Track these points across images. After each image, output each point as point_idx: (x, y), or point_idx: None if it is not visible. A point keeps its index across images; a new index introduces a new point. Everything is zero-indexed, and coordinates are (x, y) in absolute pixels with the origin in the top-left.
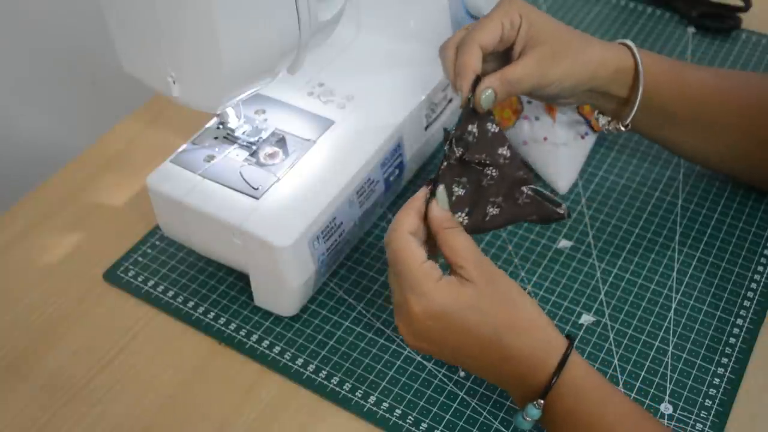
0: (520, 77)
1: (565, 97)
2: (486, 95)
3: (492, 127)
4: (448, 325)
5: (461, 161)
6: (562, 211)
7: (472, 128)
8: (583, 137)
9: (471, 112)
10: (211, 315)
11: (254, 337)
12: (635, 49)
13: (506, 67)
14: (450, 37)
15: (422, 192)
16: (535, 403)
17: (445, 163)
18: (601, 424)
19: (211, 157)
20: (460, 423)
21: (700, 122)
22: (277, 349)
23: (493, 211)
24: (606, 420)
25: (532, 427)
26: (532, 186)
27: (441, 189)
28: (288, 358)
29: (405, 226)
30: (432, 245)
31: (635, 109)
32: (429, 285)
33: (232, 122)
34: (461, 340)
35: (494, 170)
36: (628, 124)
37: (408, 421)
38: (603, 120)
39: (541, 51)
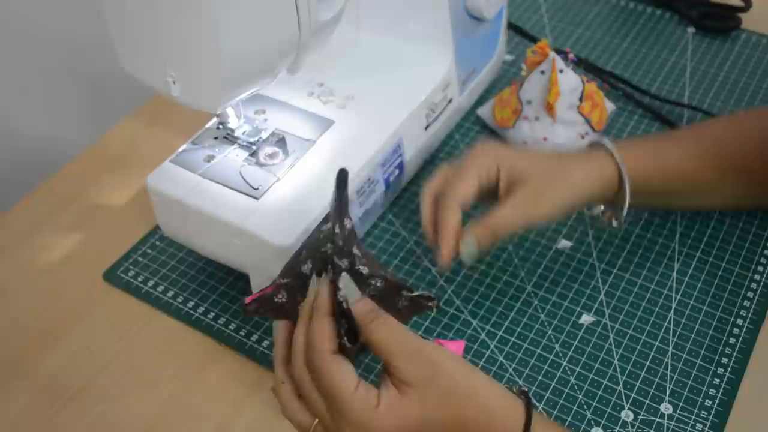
0: (503, 224)
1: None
2: (468, 248)
3: (348, 223)
4: None
5: (351, 272)
6: (432, 305)
7: (342, 232)
8: (583, 137)
9: (340, 209)
10: (211, 315)
11: (254, 337)
12: (616, 156)
13: (489, 215)
14: (428, 183)
15: (325, 291)
16: None
17: (334, 257)
18: None
19: (211, 157)
20: None
21: (692, 194)
22: None
23: None
24: None
25: None
26: (410, 288)
27: (345, 277)
28: None
29: (326, 344)
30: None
31: (625, 210)
32: (368, 416)
33: (232, 122)
34: None
35: (380, 281)
36: (622, 222)
37: None
38: (602, 216)
39: (523, 194)
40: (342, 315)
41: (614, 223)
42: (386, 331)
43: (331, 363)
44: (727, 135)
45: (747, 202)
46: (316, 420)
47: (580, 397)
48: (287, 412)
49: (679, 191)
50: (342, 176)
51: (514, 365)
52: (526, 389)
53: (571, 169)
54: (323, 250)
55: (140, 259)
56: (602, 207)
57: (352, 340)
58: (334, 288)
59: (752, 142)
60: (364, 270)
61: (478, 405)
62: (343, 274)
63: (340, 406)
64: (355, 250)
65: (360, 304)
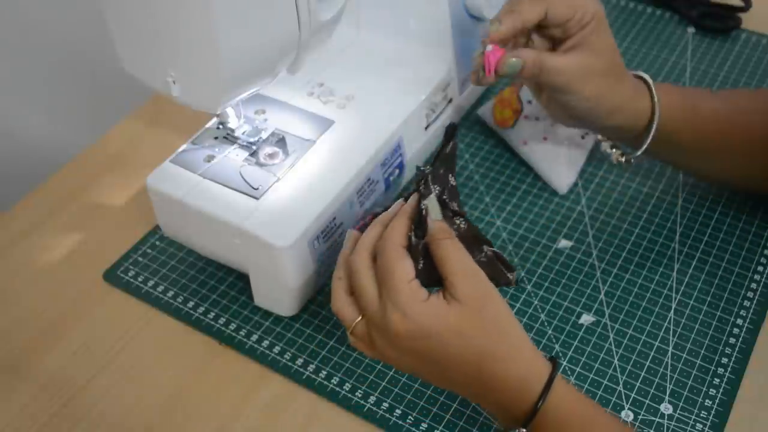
0: (557, 68)
1: (573, 117)
2: (513, 62)
3: (452, 180)
4: (430, 348)
5: (440, 200)
6: (511, 277)
7: (445, 173)
8: (583, 137)
9: (447, 158)
10: (211, 315)
11: (254, 337)
12: (654, 90)
13: (548, 52)
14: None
15: (412, 200)
16: (517, 430)
17: (430, 177)
18: None
19: (211, 157)
20: (460, 423)
21: (710, 151)
22: (277, 349)
23: None
24: None
25: None
26: (494, 249)
27: (432, 198)
28: (288, 358)
29: (398, 239)
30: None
31: (645, 145)
32: (414, 304)
33: (232, 122)
34: (443, 363)
35: (463, 222)
36: (632, 159)
37: (408, 421)
38: (609, 152)
39: (589, 60)
40: (419, 226)
41: (622, 159)
42: (453, 250)
43: (398, 252)
44: (754, 108)
45: (750, 182)
46: (360, 317)
47: None
48: (336, 304)
49: (695, 147)
50: (450, 130)
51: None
52: (556, 358)
53: (624, 81)
54: (422, 169)
55: (140, 259)
56: (610, 144)
57: (420, 236)
58: (419, 200)
59: None
60: (453, 206)
61: (509, 345)
62: (432, 196)
63: (392, 291)
64: (448, 191)
65: (437, 223)
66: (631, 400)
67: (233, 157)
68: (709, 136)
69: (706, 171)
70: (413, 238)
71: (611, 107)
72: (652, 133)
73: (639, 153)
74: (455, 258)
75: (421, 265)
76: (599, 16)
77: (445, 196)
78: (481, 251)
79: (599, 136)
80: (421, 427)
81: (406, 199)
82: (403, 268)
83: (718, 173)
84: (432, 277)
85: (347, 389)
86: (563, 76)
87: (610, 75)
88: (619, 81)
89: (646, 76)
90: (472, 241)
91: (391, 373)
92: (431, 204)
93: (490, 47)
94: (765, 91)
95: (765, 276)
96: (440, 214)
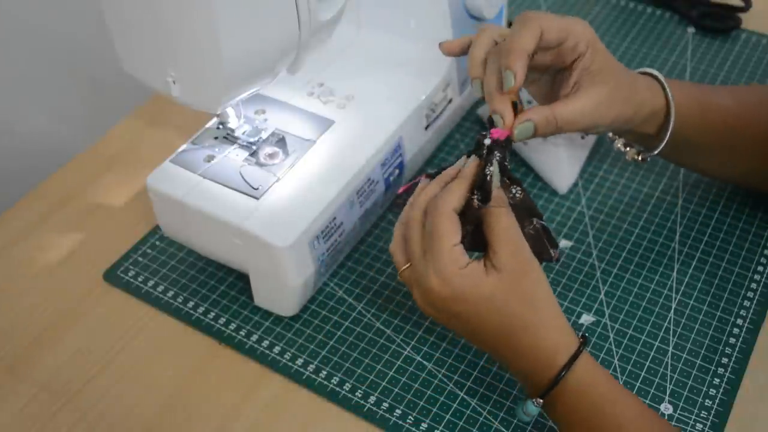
0: (573, 117)
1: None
2: (524, 127)
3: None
4: (464, 312)
5: (501, 167)
6: (553, 254)
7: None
8: (583, 137)
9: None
10: (211, 315)
11: (254, 337)
12: (668, 89)
13: (558, 103)
14: (484, 32)
15: (473, 166)
16: (534, 400)
17: (494, 147)
18: (602, 426)
19: (211, 157)
20: (460, 423)
21: (717, 146)
22: (277, 349)
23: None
24: (607, 422)
25: (532, 420)
26: (543, 222)
27: (495, 165)
28: (288, 358)
29: (453, 203)
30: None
31: (662, 146)
32: (453, 270)
33: (232, 122)
34: (474, 327)
35: (519, 191)
36: (648, 158)
37: (408, 421)
38: (623, 150)
39: (601, 93)
40: (482, 192)
41: (638, 158)
42: (502, 220)
43: (449, 215)
44: (760, 102)
45: (746, 173)
46: (408, 264)
47: None
48: (392, 247)
49: (707, 145)
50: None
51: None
52: (585, 335)
53: (637, 87)
54: (483, 133)
55: (140, 259)
56: (623, 142)
57: (483, 201)
58: (484, 166)
59: None
60: (510, 173)
61: (541, 317)
62: (496, 161)
63: (435, 253)
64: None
65: (495, 191)
66: None
67: (233, 157)
68: (716, 131)
69: (712, 167)
70: (476, 202)
71: (630, 117)
72: (669, 131)
73: (656, 152)
74: (503, 227)
75: (471, 228)
76: (593, 43)
77: (506, 162)
78: (531, 223)
79: (611, 135)
80: (421, 427)
81: (468, 156)
82: (449, 233)
83: (724, 169)
84: (478, 241)
85: (347, 389)
86: (582, 122)
87: (623, 91)
88: (633, 90)
89: (657, 74)
90: (524, 211)
91: (391, 373)
92: (495, 171)
93: (496, 122)
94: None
95: (765, 276)
96: (499, 181)
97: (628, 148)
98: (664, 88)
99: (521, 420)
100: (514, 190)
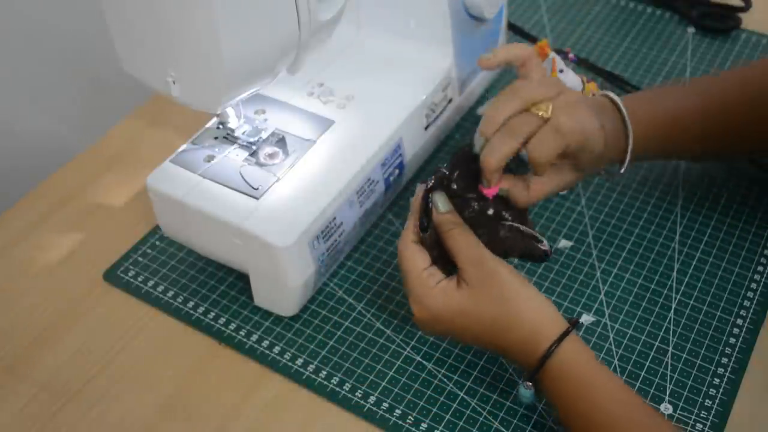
0: (541, 197)
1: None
2: (501, 191)
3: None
4: (447, 328)
5: (447, 189)
6: (544, 248)
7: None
8: None
9: (464, 156)
10: (211, 315)
11: (254, 337)
12: (626, 118)
13: (534, 188)
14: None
15: (418, 198)
16: (524, 384)
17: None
18: (581, 407)
19: (211, 157)
20: (460, 423)
21: (687, 141)
22: (277, 349)
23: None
24: (586, 404)
25: (533, 401)
26: (511, 223)
27: (439, 194)
28: (288, 358)
29: (408, 236)
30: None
31: (625, 166)
32: (424, 292)
33: (232, 122)
34: (462, 338)
35: (477, 203)
36: (614, 176)
37: (408, 421)
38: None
39: (571, 177)
40: (424, 219)
41: (607, 173)
42: (459, 239)
43: (408, 246)
44: (730, 90)
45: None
46: None
47: None
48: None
49: (668, 148)
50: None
51: (514, 365)
52: (577, 319)
53: (601, 125)
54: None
55: (140, 259)
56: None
57: (424, 228)
58: (426, 197)
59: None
60: (457, 189)
61: (514, 313)
62: (438, 193)
63: (408, 283)
64: (457, 177)
65: (443, 216)
66: None
67: (233, 157)
68: (683, 139)
69: (686, 158)
70: (420, 232)
71: (600, 157)
72: (628, 158)
73: (622, 170)
74: (459, 245)
75: (436, 253)
76: (583, 135)
77: (454, 185)
78: (502, 227)
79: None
80: (421, 427)
81: (428, 185)
82: (412, 261)
83: (697, 157)
84: (451, 262)
85: (347, 389)
86: (548, 195)
87: (592, 144)
88: (599, 136)
89: (615, 99)
90: (485, 219)
91: (391, 373)
92: (438, 198)
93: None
94: (733, 73)
95: (765, 276)
96: (447, 204)
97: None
98: (621, 115)
99: (521, 401)
100: (474, 204)
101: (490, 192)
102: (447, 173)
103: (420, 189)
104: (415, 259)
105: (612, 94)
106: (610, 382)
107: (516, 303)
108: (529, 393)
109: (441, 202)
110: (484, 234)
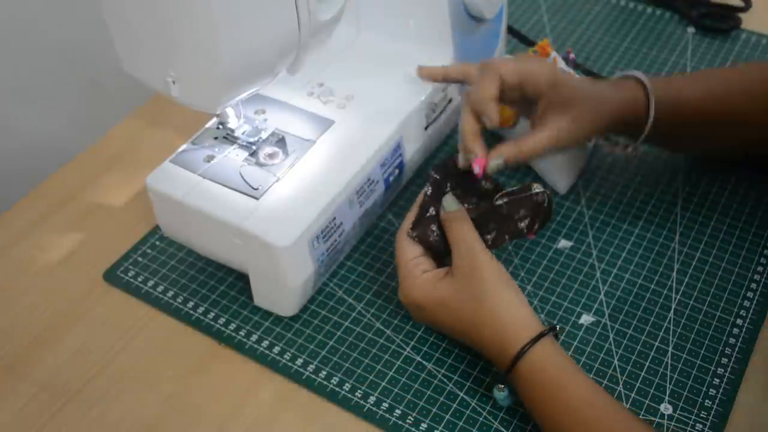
0: (536, 150)
1: None
2: (494, 163)
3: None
4: (428, 315)
5: (454, 193)
6: (539, 189)
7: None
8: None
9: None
10: (211, 315)
11: (254, 337)
12: (651, 97)
13: (523, 140)
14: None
15: (420, 197)
16: (497, 386)
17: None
18: (550, 409)
19: (211, 157)
20: (460, 423)
21: (693, 137)
22: (277, 349)
23: (489, 236)
24: (558, 405)
25: (509, 403)
26: (501, 192)
27: (448, 196)
28: (288, 358)
29: (404, 227)
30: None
31: (639, 141)
32: (408, 282)
33: (232, 122)
34: (441, 327)
35: (475, 201)
36: (636, 154)
37: (408, 421)
38: (610, 148)
39: (560, 124)
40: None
41: (629, 150)
42: (457, 233)
43: (399, 238)
44: (735, 83)
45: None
46: None
47: None
48: None
49: (681, 135)
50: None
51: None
52: (557, 326)
53: (607, 99)
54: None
55: (140, 259)
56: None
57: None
58: (423, 196)
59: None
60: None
61: (488, 311)
62: (447, 195)
63: (398, 268)
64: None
65: (448, 213)
66: (630, 400)
67: (233, 157)
68: (686, 123)
69: (687, 148)
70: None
71: (604, 128)
72: (645, 132)
73: (638, 143)
74: (456, 238)
75: (437, 239)
76: (553, 80)
77: (456, 191)
78: (500, 205)
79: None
80: (421, 427)
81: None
82: (403, 252)
83: (699, 149)
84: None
85: (347, 389)
86: (546, 150)
87: (588, 114)
88: (601, 109)
89: (643, 78)
90: (492, 212)
91: (391, 373)
92: (447, 200)
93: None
94: (735, 71)
95: (765, 276)
96: (455, 204)
97: (614, 146)
98: (647, 94)
99: (498, 404)
100: (477, 204)
101: (480, 164)
102: (439, 178)
103: (422, 193)
104: (404, 249)
105: (636, 72)
106: (583, 385)
107: (492, 302)
108: (503, 395)
109: (448, 203)
110: (494, 228)
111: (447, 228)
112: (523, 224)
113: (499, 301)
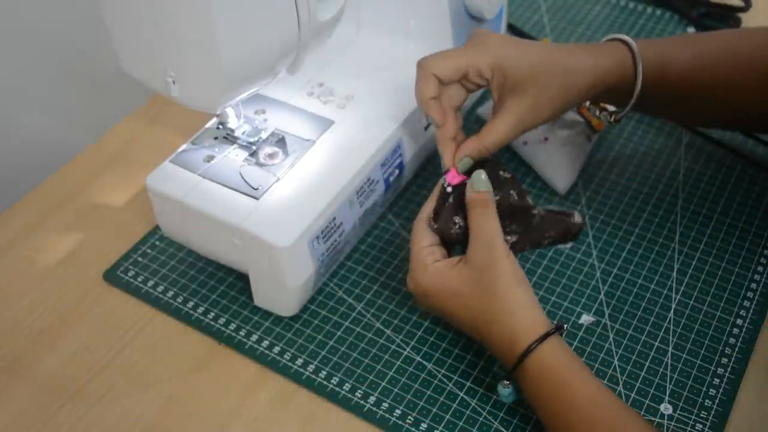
0: (500, 139)
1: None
2: (464, 162)
3: (505, 173)
4: (437, 305)
5: (491, 173)
6: (578, 220)
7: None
8: (590, 139)
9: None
10: (211, 315)
11: (254, 337)
12: (638, 59)
13: (484, 131)
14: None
15: (439, 184)
16: (502, 383)
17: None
18: (555, 407)
19: (210, 157)
20: (460, 423)
21: (680, 99)
22: (277, 349)
23: (510, 239)
24: (565, 405)
25: (512, 400)
26: (544, 208)
27: (479, 173)
28: (288, 358)
29: (424, 213)
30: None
31: (627, 108)
32: (419, 270)
33: (232, 122)
34: (448, 317)
35: (516, 194)
36: (620, 119)
37: (408, 421)
38: (598, 115)
39: (519, 106)
40: (445, 198)
41: (611, 118)
42: (479, 219)
43: (415, 225)
44: (720, 56)
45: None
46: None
47: None
48: None
49: (667, 96)
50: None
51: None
52: (565, 324)
53: (581, 70)
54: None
55: (140, 259)
56: (596, 108)
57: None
58: (441, 187)
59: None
60: (505, 175)
61: (500, 307)
62: (479, 171)
63: (411, 256)
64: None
65: (476, 194)
66: (630, 400)
67: (233, 157)
68: (672, 87)
69: (674, 116)
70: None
71: (582, 96)
72: (634, 96)
73: (624, 113)
74: (477, 226)
75: (458, 232)
76: (498, 64)
77: (505, 173)
78: (533, 216)
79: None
80: (421, 427)
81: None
82: (417, 238)
83: (686, 118)
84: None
85: (347, 389)
86: (511, 136)
87: (551, 90)
88: (570, 72)
89: (629, 41)
90: (520, 213)
91: (391, 373)
92: (476, 177)
93: (446, 170)
94: (726, 36)
95: (765, 276)
96: (485, 185)
97: (599, 112)
98: (633, 57)
99: (502, 401)
100: (513, 192)
101: (451, 176)
102: (450, 191)
103: (439, 184)
104: (419, 236)
105: (624, 36)
106: (588, 383)
107: (505, 300)
108: (507, 392)
109: (477, 182)
110: (518, 226)
111: (470, 212)
112: (546, 242)
113: (512, 301)
